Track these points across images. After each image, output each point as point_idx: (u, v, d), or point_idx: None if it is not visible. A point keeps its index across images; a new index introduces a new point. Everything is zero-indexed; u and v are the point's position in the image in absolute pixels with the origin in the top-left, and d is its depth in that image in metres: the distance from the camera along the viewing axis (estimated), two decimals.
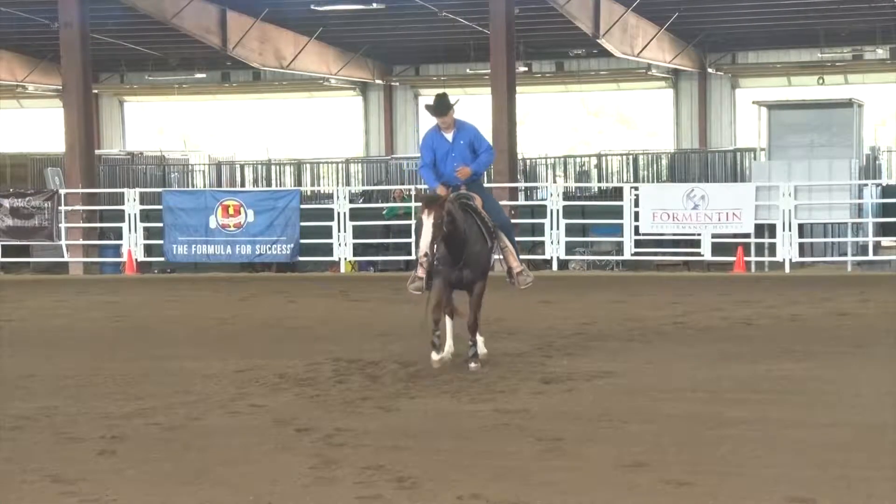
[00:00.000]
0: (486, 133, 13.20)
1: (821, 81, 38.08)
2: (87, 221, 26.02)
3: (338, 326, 15.79)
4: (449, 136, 12.51)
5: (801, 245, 23.53)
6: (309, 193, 33.31)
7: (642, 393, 10.70)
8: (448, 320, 12.39)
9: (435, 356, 12.08)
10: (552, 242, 24.09)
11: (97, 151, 32.05)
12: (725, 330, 14.80)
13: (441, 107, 12.42)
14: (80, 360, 13.24)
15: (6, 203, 25.84)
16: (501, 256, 12.71)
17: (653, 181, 31.57)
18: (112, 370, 12.41)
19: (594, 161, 34.20)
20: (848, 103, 25.44)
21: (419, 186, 29.25)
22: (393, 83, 42.12)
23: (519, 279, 12.58)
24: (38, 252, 26.65)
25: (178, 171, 36.03)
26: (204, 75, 40.85)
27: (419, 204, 12.52)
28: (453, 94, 12.79)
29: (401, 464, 8.26)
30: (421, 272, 12.35)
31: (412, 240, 13.20)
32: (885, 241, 24.90)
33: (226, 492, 7.74)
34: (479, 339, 12.40)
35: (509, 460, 8.38)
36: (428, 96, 40.59)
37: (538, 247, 24.66)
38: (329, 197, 29.96)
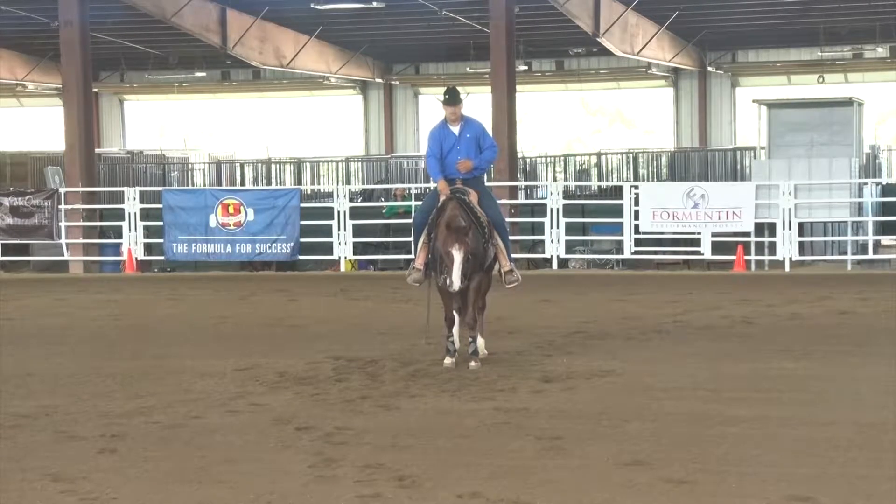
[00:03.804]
0: (487, 130, 13.26)
1: (821, 80, 38.08)
2: (87, 220, 26.02)
3: (338, 325, 15.79)
4: (455, 129, 12.63)
5: (800, 244, 23.52)
6: (309, 192, 33.32)
7: (642, 391, 10.70)
8: (456, 317, 12.37)
9: (448, 360, 12.14)
10: (552, 241, 24.08)
11: (97, 150, 32.04)
12: (725, 329, 14.79)
13: (453, 97, 12.59)
14: (79, 359, 13.25)
15: (6, 202, 25.83)
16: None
17: (653, 180, 31.57)
18: (112, 369, 12.41)
19: (594, 160, 34.23)
20: (848, 102, 25.44)
21: (419, 185, 29.29)
22: (393, 82, 42.13)
23: (506, 278, 12.60)
24: (38, 251, 26.64)
25: (177, 170, 36.05)
26: (204, 74, 40.85)
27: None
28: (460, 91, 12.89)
29: (401, 462, 8.26)
30: (419, 263, 12.41)
31: (411, 238, 13.23)
32: (885, 240, 24.89)
33: (226, 490, 7.73)
34: (481, 340, 12.39)
35: (509, 459, 8.38)
36: (428, 95, 40.63)
37: (538, 245, 24.66)
38: (329, 196, 29.98)
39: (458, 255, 11.77)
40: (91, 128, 27.32)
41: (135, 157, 37.06)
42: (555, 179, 31.79)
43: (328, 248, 24.80)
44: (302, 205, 25.08)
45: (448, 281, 11.83)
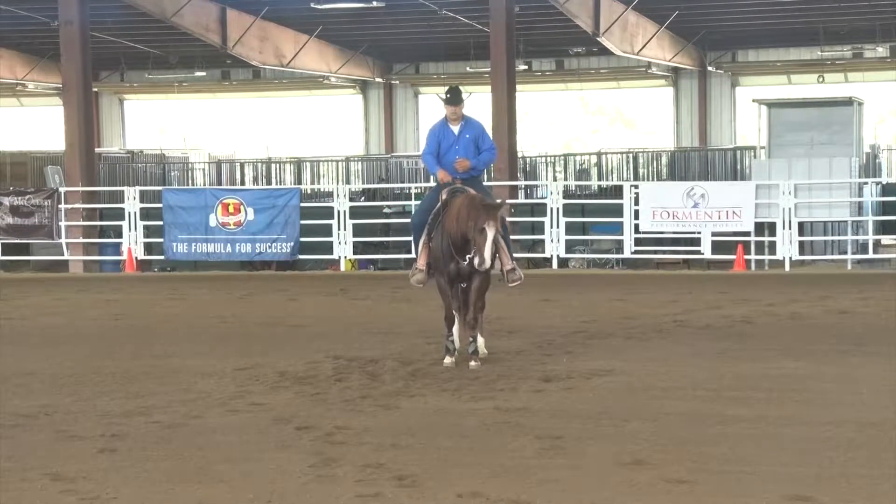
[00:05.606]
0: (487, 131, 13.26)
1: (821, 79, 38.09)
2: (87, 220, 26.01)
3: (338, 325, 15.78)
4: (455, 128, 12.64)
5: (800, 243, 23.52)
6: (309, 191, 33.31)
7: (642, 391, 10.70)
8: (456, 316, 12.36)
9: (448, 360, 12.16)
10: (552, 241, 24.08)
11: (97, 149, 32.04)
12: (725, 328, 14.79)
13: (455, 96, 12.61)
14: (79, 358, 13.24)
15: (6, 201, 25.82)
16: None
17: (653, 179, 31.57)
18: (112, 368, 12.41)
19: (594, 159, 34.22)
20: (848, 101, 25.44)
21: (419, 185, 29.28)
22: (393, 81, 42.13)
23: (509, 277, 12.58)
24: (38, 250, 26.64)
25: (178, 170, 36.06)
26: (204, 73, 40.85)
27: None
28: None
29: (401, 462, 8.26)
30: (421, 264, 12.41)
31: (411, 239, 13.17)
32: (885, 240, 24.88)
33: (225, 490, 7.73)
34: (481, 340, 12.38)
35: (509, 458, 8.38)
36: (428, 94, 40.66)
37: (538, 245, 24.66)
38: (329, 195, 29.97)
39: (490, 232, 11.67)
40: (91, 127, 27.32)
41: (135, 157, 37.09)
42: (555, 179, 31.78)
43: (328, 248, 24.80)
44: (302, 204, 25.08)
45: (478, 260, 11.73)
